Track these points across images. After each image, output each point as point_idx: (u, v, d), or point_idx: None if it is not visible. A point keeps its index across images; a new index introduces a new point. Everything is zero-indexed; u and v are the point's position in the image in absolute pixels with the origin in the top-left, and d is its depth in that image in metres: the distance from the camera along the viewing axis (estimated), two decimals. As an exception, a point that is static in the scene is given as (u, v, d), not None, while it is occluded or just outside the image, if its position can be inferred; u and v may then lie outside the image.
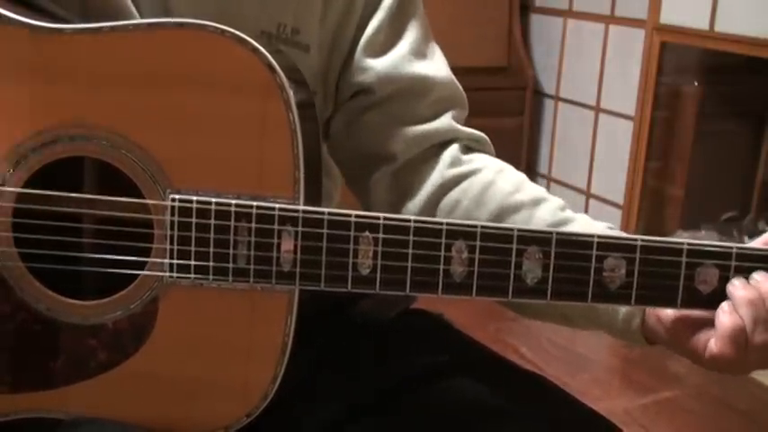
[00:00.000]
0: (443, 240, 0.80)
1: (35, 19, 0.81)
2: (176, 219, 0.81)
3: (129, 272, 0.83)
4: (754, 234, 0.84)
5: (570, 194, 3.20)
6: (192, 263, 0.82)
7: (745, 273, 0.80)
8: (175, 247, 0.82)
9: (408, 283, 0.80)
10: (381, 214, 0.80)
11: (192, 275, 0.82)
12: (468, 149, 1.02)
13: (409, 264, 0.80)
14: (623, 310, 0.89)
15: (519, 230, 0.79)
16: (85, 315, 0.84)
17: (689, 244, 0.79)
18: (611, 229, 0.93)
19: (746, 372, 0.83)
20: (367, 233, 0.80)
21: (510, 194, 0.97)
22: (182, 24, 0.80)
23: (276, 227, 0.80)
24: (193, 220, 0.81)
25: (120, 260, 0.83)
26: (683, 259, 0.79)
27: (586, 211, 3.10)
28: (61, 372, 0.85)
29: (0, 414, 0.87)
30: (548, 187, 3.29)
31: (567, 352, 2.64)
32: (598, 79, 3.07)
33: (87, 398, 0.86)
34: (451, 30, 3.08)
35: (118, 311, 0.84)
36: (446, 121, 1.01)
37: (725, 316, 0.79)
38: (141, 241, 0.82)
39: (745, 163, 2.94)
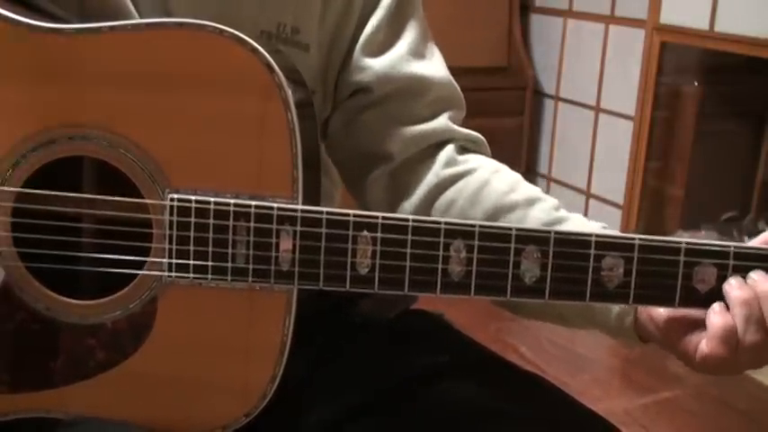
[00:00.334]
0: (442, 240, 0.80)
1: (34, 19, 0.81)
2: (175, 218, 0.81)
3: (127, 271, 0.83)
4: (754, 234, 0.84)
5: (570, 194, 3.20)
6: (191, 262, 0.82)
7: (744, 272, 0.79)
8: (174, 247, 0.82)
9: (407, 283, 0.80)
10: (380, 213, 0.80)
11: (191, 275, 0.82)
12: (463, 150, 1.02)
13: (407, 263, 0.80)
14: (616, 308, 0.89)
15: (517, 230, 0.79)
16: (84, 315, 0.84)
17: (687, 243, 0.79)
18: (605, 228, 0.93)
19: (738, 372, 0.83)
20: (365, 232, 0.80)
21: (505, 194, 0.97)
22: (181, 24, 0.80)
23: (275, 226, 0.80)
24: (192, 219, 0.81)
25: (119, 260, 0.83)
26: (681, 258, 0.79)
27: (586, 211, 3.10)
28: (60, 371, 0.85)
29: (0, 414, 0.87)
30: (548, 187, 3.30)
31: (566, 352, 2.64)
32: (598, 79, 3.07)
33: (86, 398, 0.86)
34: (451, 30, 3.08)
35: (117, 311, 0.84)
36: (443, 121, 1.01)
37: (716, 316, 0.79)
38: (140, 241, 0.82)
39: (745, 163, 2.94)
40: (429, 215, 0.98)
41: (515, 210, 0.96)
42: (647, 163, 2.83)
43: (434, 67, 1.03)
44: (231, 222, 0.81)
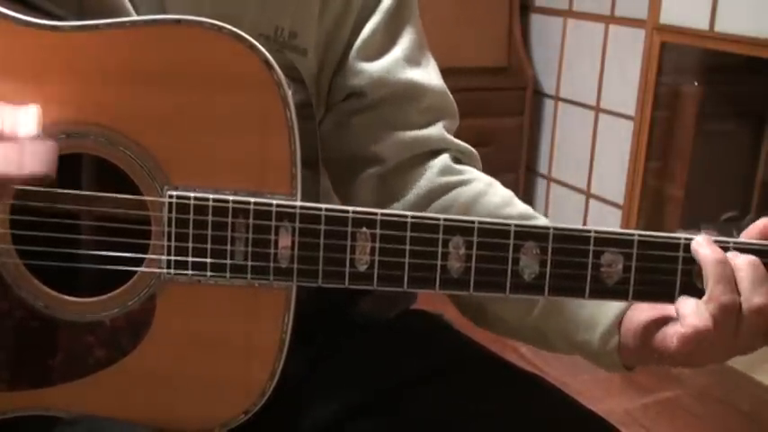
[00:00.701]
0: (440, 236, 0.80)
1: (32, 16, 0.81)
2: (174, 215, 0.81)
3: (126, 268, 0.83)
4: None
5: (570, 194, 3.20)
6: (190, 259, 0.82)
7: None
8: (173, 244, 0.82)
9: (406, 279, 0.81)
10: (378, 210, 0.80)
11: (190, 272, 0.82)
12: (456, 161, 1.03)
13: (406, 260, 0.80)
14: (600, 329, 0.90)
15: (516, 226, 0.79)
16: (83, 312, 0.84)
17: (686, 239, 0.79)
18: None
19: (722, 355, 0.82)
20: (364, 229, 0.80)
21: (499, 207, 0.98)
22: (179, 21, 0.80)
23: (273, 223, 0.80)
24: (191, 216, 0.81)
25: (118, 257, 0.83)
26: (681, 254, 0.79)
27: (586, 211, 3.10)
28: (59, 369, 0.85)
29: (-2, 412, 0.87)
30: (548, 187, 3.30)
31: (567, 352, 2.63)
32: (598, 79, 3.07)
33: (85, 395, 0.86)
34: (451, 30, 3.08)
35: (115, 309, 0.84)
36: (438, 129, 1.02)
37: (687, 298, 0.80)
38: (139, 238, 0.82)
39: (745, 163, 2.94)
40: None
41: None
42: (647, 163, 2.83)
43: (429, 75, 1.03)
44: (230, 219, 0.81)
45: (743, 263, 0.79)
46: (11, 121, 0.74)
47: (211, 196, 0.81)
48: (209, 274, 0.82)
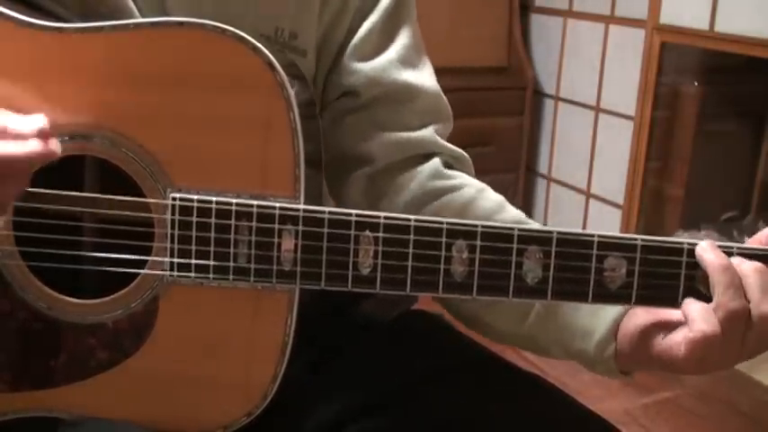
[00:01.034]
0: (444, 240, 0.80)
1: (36, 17, 0.81)
2: (177, 217, 0.81)
3: (129, 270, 0.83)
4: (754, 234, 0.84)
5: (570, 194, 3.19)
6: (193, 261, 0.82)
7: None
8: (176, 246, 0.82)
9: (409, 283, 0.81)
10: (382, 213, 0.80)
11: (193, 274, 0.82)
12: (448, 166, 1.02)
13: (410, 263, 0.80)
14: (596, 337, 0.89)
15: (519, 230, 0.80)
16: (85, 314, 0.84)
17: (689, 244, 0.79)
18: None
19: (733, 358, 0.81)
20: (367, 232, 0.80)
21: (492, 212, 0.98)
22: (182, 23, 0.81)
23: (277, 226, 0.80)
24: (194, 218, 0.81)
25: (121, 259, 0.83)
26: (684, 259, 0.79)
27: (586, 211, 3.09)
28: (61, 371, 0.86)
29: (0, 413, 0.87)
30: (548, 187, 3.30)
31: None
32: (598, 79, 3.06)
33: (87, 397, 0.86)
34: (451, 30, 3.08)
35: (118, 311, 0.84)
36: (430, 133, 1.01)
37: (694, 302, 0.80)
38: (142, 240, 0.82)
39: (745, 163, 2.94)
40: None
41: None
42: (647, 163, 2.83)
43: (424, 77, 1.03)
44: (233, 222, 0.81)
45: (750, 269, 0.79)
46: (17, 125, 0.74)
47: (214, 199, 0.81)
48: (211, 276, 0.82)
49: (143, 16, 0.87)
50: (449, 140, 1.05)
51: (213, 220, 0.81)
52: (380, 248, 0.80)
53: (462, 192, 1.00)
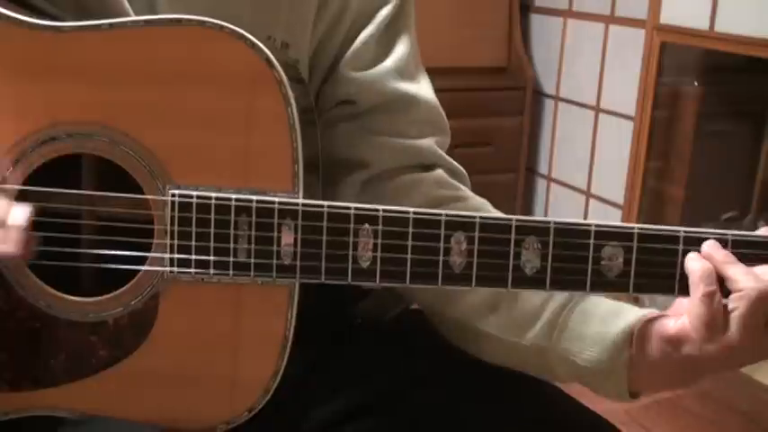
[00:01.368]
0: (442, 232, 0.80)
1: (28, 16, 0.82)
2: (176, 214, 0.81)
3: (129, 267, 0.83)
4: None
5: (570, 194, 3.19)
6: (193, 257, 0.82)
7: (743, 258, 0.79)
8: (176, 243, 0.82)
9: (408, 275, 0.81)
10: (380, 206, 0.80)
11: (193, 270, 0.82)
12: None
13: (409, 255, 0.80)
14: (608, 343, 0.86)
15: (517, 221, 0.80)
16: (86, 312, 0.84)
17: (685, 231, 0.79)
18: None
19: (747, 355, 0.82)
20: (366, 226, 0.80)
21: None
22: (180, 20, 0.81)
23: (276, 220, 0.80)
24: (193, 214, 0.81)
25: (121, 256, 0.83)
26: (680, 247, 0.80)
27: (586, 211, 3.10)
28: (62, 369, 0.86)
29: (1, 412, 0.87)
30: (547, 187, 3.30)
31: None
32: (598, 79, 3.07)
33: (89, 395, 0.86)
34: (451, 30, 3.08)
35: (118, 308, 0.84)
36: (429, 143, 1.01)
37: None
38: (141, 237, 0.82)
39: (745, 163, 2.94)
40: None
41: None
42: (647, 163, 2.83)
43: (421, 88, 1.02)
44: (233, 217, 0.81)
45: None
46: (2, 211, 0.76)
47: (214, 194, 0.81)
48: (212, 272, 0.82)
49: (134, 11, 0.87)
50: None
51: (213, 216, 0.81)
52: (379, 241, 0.80)
53: (467, 203, 0.99)
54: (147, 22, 0.82)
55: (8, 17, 0.81)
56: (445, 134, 1.04)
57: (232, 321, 0.84)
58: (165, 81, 0.81)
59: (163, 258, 0.82)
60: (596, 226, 0.79)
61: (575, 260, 0.80)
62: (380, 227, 0.80)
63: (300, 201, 0.80)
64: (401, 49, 1.01)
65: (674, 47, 2.71)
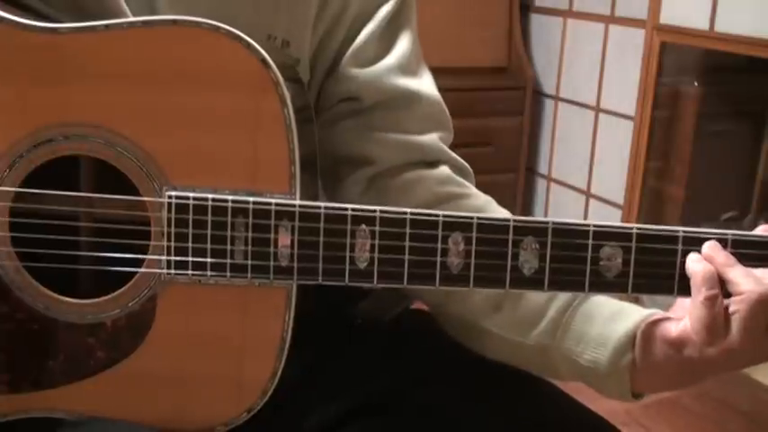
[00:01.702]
0: (440, 232, 0.80)
1: (23, 17, 0.81)
2: (173, 215, 0.81)
3: (126, 269, 0.83)
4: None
5: (570, 194, 3.19)
6: (190, 259, 0.82)
7: (741, 258, 0.79)
8: (173, 244, 0.82)
9: (405, 276, 0.81)
10: (377, 207, 0.80)
11: (190, 272, 0.82)
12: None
13: (406, 256, 0.80)
14: (612, 345, 0.86)
15: (515, 221, 0.80)
16: (83, 314, 0.84)
17: (684, 231, 0.79)
18: None
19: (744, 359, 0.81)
20: (363, 226, 0.80)
21: None
22: (176, 21, 0.81)
23: (273, 222, 0.80)
24: (190, 216, 0.81)
25: (118, 258, 0.83)
26: (679, 247, 0.79)
27: (586, 211, 3.10)
28: (60, 371, 0.86)
29: (0, 415, 0.87)
30: (547, 187, 3.30)
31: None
32: (598, 79, 3.07)
33: (87, 397, 0.86)
34: (451, 29, 3.08)
35: (116, 310, 0.84)
36: (433, 139, 1.01)
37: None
38: (138, 239, 0.82)
39: (745, 163, 2.94)
40: None
41: None
42: (647, 163, 2.83)
43: (424, 84, 1.02)
44: (229, 219, 0.81)
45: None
46: None
47: (210, 196, 0.81)
48: (209, 273, 0.82)
49: (132, 12, 0.87)
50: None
51: (209, 218, 0.81)
52: (377, 242, 0.80)
53: (470, 201, 0.99)
54: (143, 23, 0.81)
55: (3, 19, 0.81)
56: (448, 130, 1.04)
57: (229, 323, 0.84)
58: (161, 82, 0.81)
59: (160, 260, 0.82)
60: (595, 226, 0.79)
61: (573, 261, 0.80)
62: (378, 228, 0.80)
63: (297, 202, 0.80)
64: (403, 45, 1.01)
65: (673, 47, 2.71)
